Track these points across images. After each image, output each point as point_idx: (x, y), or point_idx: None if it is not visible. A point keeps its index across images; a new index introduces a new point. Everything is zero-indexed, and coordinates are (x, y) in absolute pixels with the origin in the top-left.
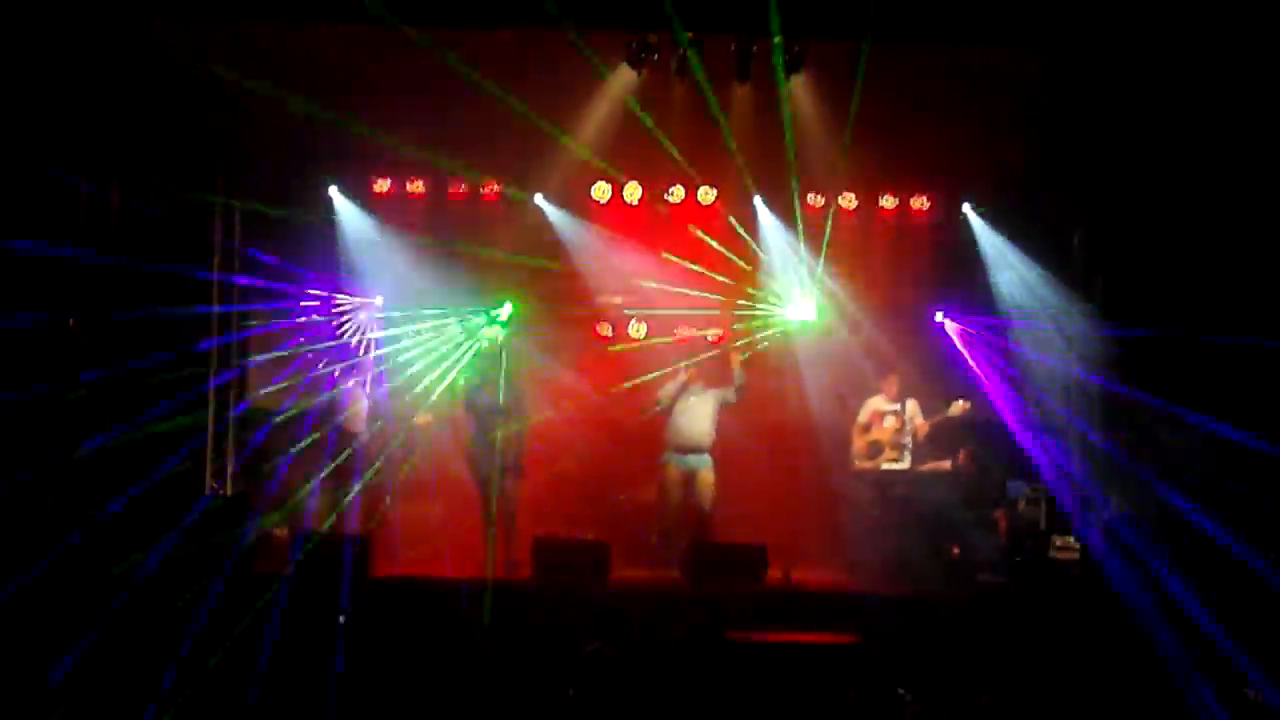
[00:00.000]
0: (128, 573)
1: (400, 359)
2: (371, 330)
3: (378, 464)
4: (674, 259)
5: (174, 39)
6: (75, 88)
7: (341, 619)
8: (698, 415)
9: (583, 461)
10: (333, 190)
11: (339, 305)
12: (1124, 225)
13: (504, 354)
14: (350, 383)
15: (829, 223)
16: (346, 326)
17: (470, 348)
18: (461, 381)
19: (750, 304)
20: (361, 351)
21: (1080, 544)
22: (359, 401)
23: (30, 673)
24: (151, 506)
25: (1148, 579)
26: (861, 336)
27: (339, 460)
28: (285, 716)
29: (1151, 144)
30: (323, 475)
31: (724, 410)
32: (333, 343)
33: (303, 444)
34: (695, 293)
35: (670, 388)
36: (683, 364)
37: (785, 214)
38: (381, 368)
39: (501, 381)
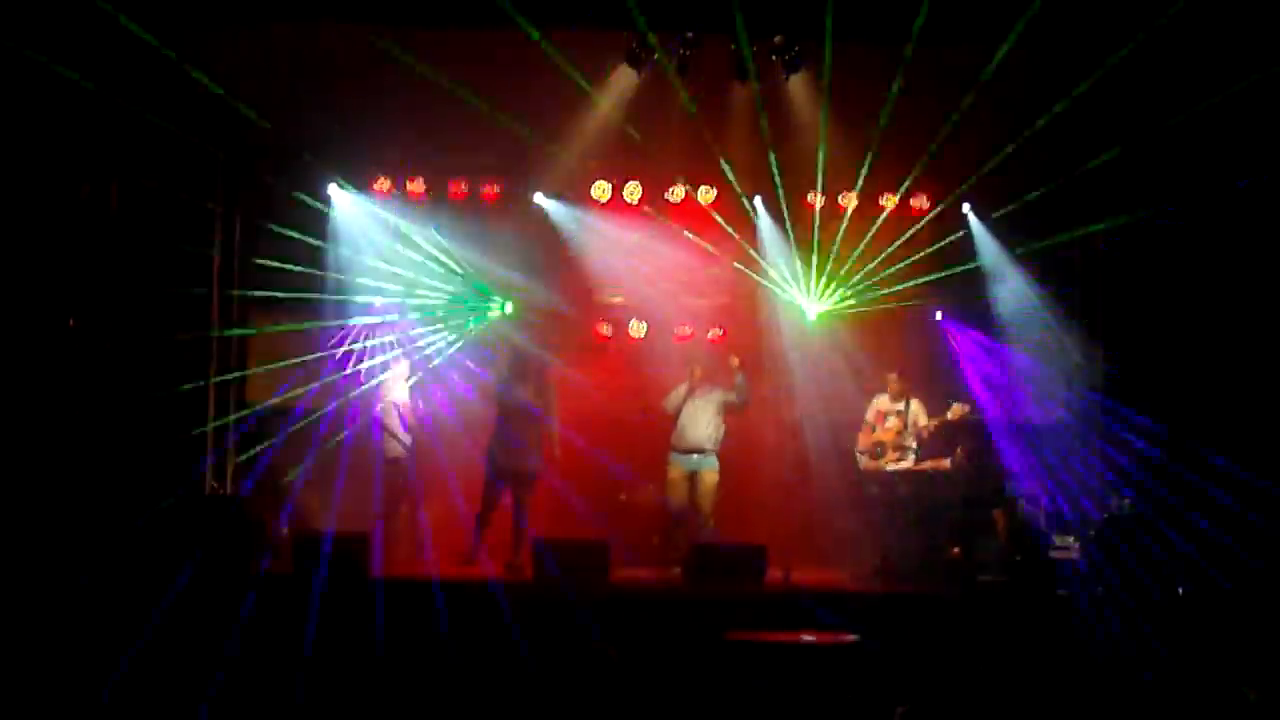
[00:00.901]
0: (126, 573)
1: (397, 359)
2: (373, 333)
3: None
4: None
5: (174, 41)
6: (74, 90)
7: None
8: (700, 417)
9: (586, 462)
10: (332, 188)
11: (338, 306)
12: (1125, 233)
13: (530, 350)
14: (391, 380)
15: (815, 221)
16: (346, 327)
17: (470, 346)
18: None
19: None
20: (353, 362)
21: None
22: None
23: (26, 671)
24: (150, 506)
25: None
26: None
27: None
28: (284, 716)
29: (1154, 150)
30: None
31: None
32: (340, 345)
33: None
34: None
35: (675, 394)
36: (696, 370)
37: (784, 214)
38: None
39: (531, 380)
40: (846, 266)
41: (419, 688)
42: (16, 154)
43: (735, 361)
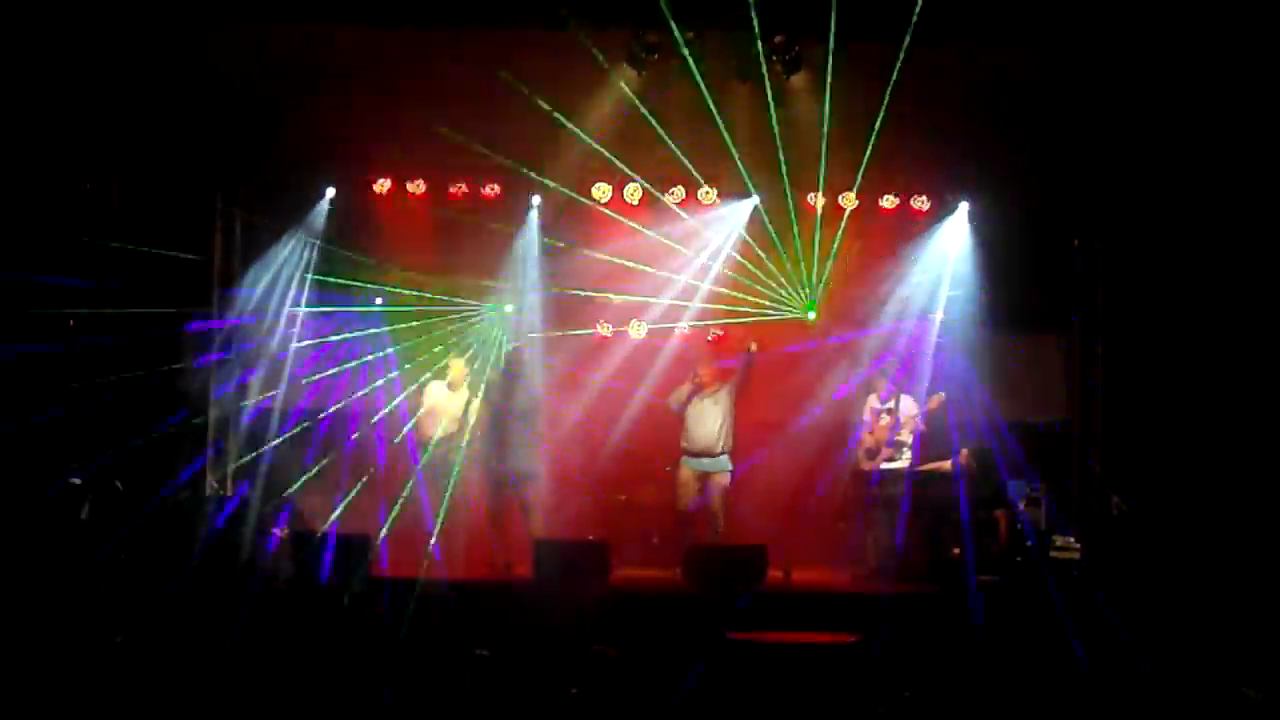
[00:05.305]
0: (128, 574)
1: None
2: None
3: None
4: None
5: (175, 40)
6: (74, 89)
7: None
8: (707, 418)
9: (588, 463)
10: (331, 191)
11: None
12: (1124, 230)
13: (522, 353)
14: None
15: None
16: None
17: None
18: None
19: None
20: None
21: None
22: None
23: (24, 671)
24: (152, 508)
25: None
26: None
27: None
28: (283, 716)
29: (1153, 146)
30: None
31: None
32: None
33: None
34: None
35: (680, 392)
36: (702, 371)
37: (784, 213)
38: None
39: (519, 381)
40: (846, 266)
41: (419, 688)
42: (17, 156)
43: (754, 346)
